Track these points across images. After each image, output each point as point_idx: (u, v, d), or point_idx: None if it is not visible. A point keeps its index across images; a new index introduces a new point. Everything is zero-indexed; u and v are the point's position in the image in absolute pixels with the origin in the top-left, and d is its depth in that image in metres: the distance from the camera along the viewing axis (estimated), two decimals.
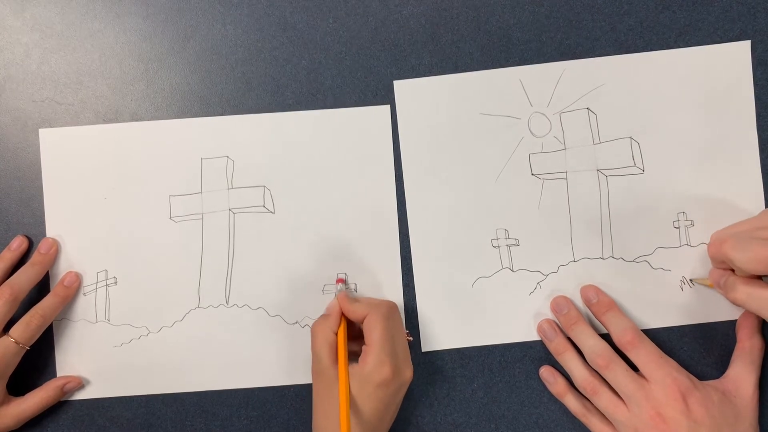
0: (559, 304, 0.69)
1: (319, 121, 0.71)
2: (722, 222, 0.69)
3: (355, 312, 0.66)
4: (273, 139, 0.71)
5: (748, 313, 0.69)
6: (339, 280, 0.71)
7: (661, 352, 0.66)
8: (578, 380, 0.67)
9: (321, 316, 0.68)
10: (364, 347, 0.65)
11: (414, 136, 0.71)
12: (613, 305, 0.68)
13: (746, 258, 0.60)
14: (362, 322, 0.66)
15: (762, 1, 0.70)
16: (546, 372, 0.70)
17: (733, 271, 0.64)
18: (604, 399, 0.66)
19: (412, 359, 0.69)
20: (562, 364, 0.69)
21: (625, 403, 0.65)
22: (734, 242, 0.61)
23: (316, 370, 0.65)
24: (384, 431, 0.66)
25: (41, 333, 0.69)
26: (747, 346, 0.68)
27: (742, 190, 0.70)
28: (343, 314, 0.67)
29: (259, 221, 0.71)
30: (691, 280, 0.70)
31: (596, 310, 0.69)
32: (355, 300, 0.68)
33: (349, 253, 0.71)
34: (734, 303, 0.63)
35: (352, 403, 0.63)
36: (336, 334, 0.66)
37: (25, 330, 0.67)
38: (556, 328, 0.69)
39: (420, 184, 0.71)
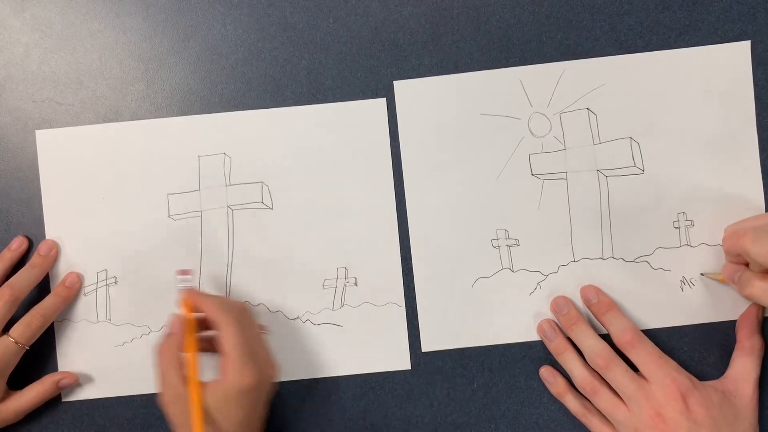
0: (559, 304, 0.69)
1: (314, 115, 0.71)
2: (722, 222, 0.69)
3: (208, 306, 0.63)
4: (269, 135, 0.71)
5: (748, 313, 0.69)
6: (182, 272, 0.67)
7: (660, 352, 0.66)
8: (578, 380, 0.67)
9: (165, 335, 0.65)
10: (221, 358, 0.62)
11: (414, 136, 0.71)
12: (613, 305, 0.68)
13: (765, 252, 0.60)
14: (212, 320, 0.63)
15: (762, 1, 0.70)
16: (546, 372, 0.70)
17: (747, 266, 0.64)
18: (603, 399, 0.66)
19: (411, 359, 0.70)
20: (561, 364, 0.69)
21: (625, 403, 0.65)
22: (754, 235, 0.61)
23: (170, 397, 0.62)
24: (257, 429, 0.65)
25: (41, 333, 0.69)
26: (747, 346, 0.67)
27: (742, 191, 0.70)
28: (190, 331, 0.63)
29: (258, 217, 0.71)
30: (701, 274, 0.70)
31: (596, 311, 0.69)
32: (206, 295, 0.65)
33: (348, 247, 0.71)
34: (749, 298, 0.63)
35: (214, 420, 0.60)
36: (183, 352, 0.63)
37: (26, 330, 0.67)
38: (556, 328, 0.69)
39: (420, 184, 0.71)
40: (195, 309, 0.64)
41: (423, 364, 0.71)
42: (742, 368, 0.67)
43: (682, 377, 0.64)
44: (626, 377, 0.65)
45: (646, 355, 0.65)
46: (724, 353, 0.70)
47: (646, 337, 0.66)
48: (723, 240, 0.68)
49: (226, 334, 0.62)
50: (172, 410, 0.62)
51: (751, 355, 0.67)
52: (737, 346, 0.68)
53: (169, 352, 0.63)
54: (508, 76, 0.70)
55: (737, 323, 0.69)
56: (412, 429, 0.71)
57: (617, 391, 0.65)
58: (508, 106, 0.70)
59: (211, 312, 0.63)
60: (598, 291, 0.69)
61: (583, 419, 0.68)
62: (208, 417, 0.60)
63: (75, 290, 0.71)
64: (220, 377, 0.61)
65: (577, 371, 0.67)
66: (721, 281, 0.68)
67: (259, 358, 0.63)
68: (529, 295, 0.70)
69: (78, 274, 0.71)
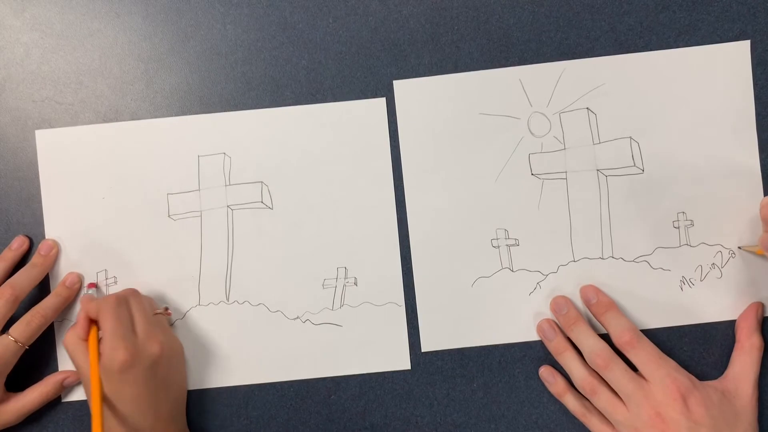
0: (559, 304, 0.69)
1: (314, 115, 0.71)
2: (722, 222, 0.69)
3: (91, 310, 0.66)
4: (269, 135, 0.71)
5: (747, 312, 0.69)
6: (91, 285, 0.71)
7: (660, 352, 0.66)
8: (577, 380, 0.67)
9: (71, 327, 0.68)
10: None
11: (414, 136, 0.71)
12: (613, 305, 0.68)
13: None
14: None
15: (762, 1, 0.70)
16: (545, 372, 0.70)
17: None
18: (603, 399, 0.66)
19: (411, 359, 0.70)
20: (561, 364, 0.69)
21: (624, 403, 0.65)
22: None
23: (81, 377, 0.68)
24: (169, 409, 0.67)
25: (41, 333, 0.68)
26: (746, 345, 0.67)
27: (742, 190, 0.70)
28: (92, 319, 0.67)
29: (258, 217, 0.71)
30: (738, 247, 0.69)
31: (595, 311, 0.68)
32: (95, 299, 0.68)
33: (348, 246, 0.71)
34: None
35: (110, 398, 0.64)
36: (84, 341, 0.66)
37: (26, 329, 0.67)
38: (556, 328, 0.69)
39: (420, 184, 0.71)
40: (86, 310, 0.67)
41: (423, 364, 0.71)
42: (742, 368, 0.67)
43: (682, 377, 0.64)
44: (625, 377, 0.65)
45: (645, 355, 0.65)
46: (723, 353, 0.70)
47: (645, 337, 0.66)
48: (761, 209, 0.67)
49: (101, 321, 0.65)
50: (84, 388, 0.68)
51: (750, 355, 0.67)
52: (737, 345, 0.68)
53: (71, 341, 0.66)
54: (508, 75, 0.70)
55: (737, 323, 0.69)
56: (411, 429, 0.71)
57: (616, 391, 0.65)
58: (508, 105, 0.70)
59: (93, 311, 0.66)
60: (598, 291, 0.69)
61: (582, 419, 0.68)
62: (104, 397, 0.64)
63: (75, 290, 0.70)
64: (101, 357, 0.64)
65: (576, 371, 0.67)
66: (758, 253, 0.68)
67: (137, 337, 0.65)
68: (529, 294, 0.70)
69: (78, 274, 0.71)
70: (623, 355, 0.66)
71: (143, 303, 0.68)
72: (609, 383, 0.66)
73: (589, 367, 0.67)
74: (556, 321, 0.69)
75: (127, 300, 0.67)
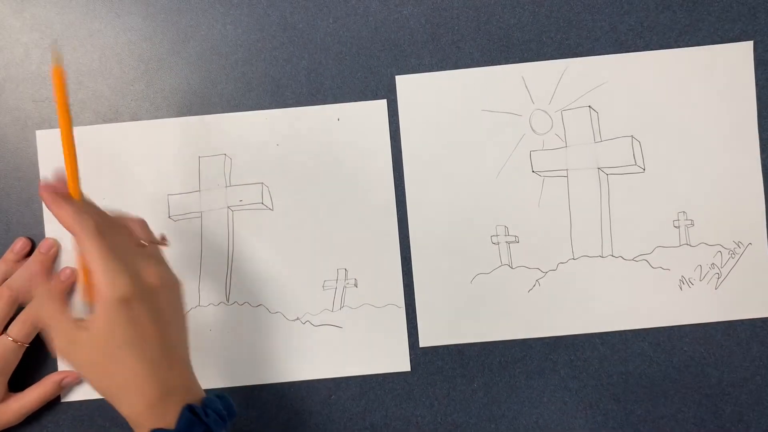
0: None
1: (315, 116, 0.70)
2: (722, 222, 0.69)
3: (63, 215, 0.54)
4: (270, 136, 0.70)
5: None
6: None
7: None
8: None
9: (41, 291, 0.56)
10: (90, 278, 0.53)
11: (415, 132, 0.70)
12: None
13: None
14: (71, 232, 0.54)
15: (763, 1, 0.69)
16: None
17: None
18: None
19: (411, 359, 0.69)
20: None
21: None
22: None
23: (64, 345, 0.55)
24: (176, 348, 0.56)
25: (39, 330, 0.67)
26: None
27: (742, 190, 0.69)
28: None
29: (258, 218, 0.70)
30: None
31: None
32: (64, 201, 0.55)
33: (348, 248, 0.70)
34: None
35: (106, 338, 0.52)
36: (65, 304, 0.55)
37: (22, 328, 0.66)
38: None
39: (420, 180, 0.70)
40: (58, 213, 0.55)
41: (423, 364, 0.70)
42: None
43: None
44: None
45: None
46: (724, 353, 0.69)
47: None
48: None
49: (86, 247, 0.53)
50: (72, 358, 0.55)
51: None
52: None
53: (51, 301, 0.55)
54: (510, 72, 0.70)
55: None
56: (412, 429, 0.70)
57: None
58: (510, 102, 0.70)
59: (66, 221, 0.54)
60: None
61: None
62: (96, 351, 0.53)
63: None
64: (95, 296, 0.53)
65: None
66: None
67: (136, 267, 0.54)
68: (528, 292, 0.70)
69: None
70: None
71: (137, 228, 0.58)
72: None
73: None
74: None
75: (113, 225, 0.56)
